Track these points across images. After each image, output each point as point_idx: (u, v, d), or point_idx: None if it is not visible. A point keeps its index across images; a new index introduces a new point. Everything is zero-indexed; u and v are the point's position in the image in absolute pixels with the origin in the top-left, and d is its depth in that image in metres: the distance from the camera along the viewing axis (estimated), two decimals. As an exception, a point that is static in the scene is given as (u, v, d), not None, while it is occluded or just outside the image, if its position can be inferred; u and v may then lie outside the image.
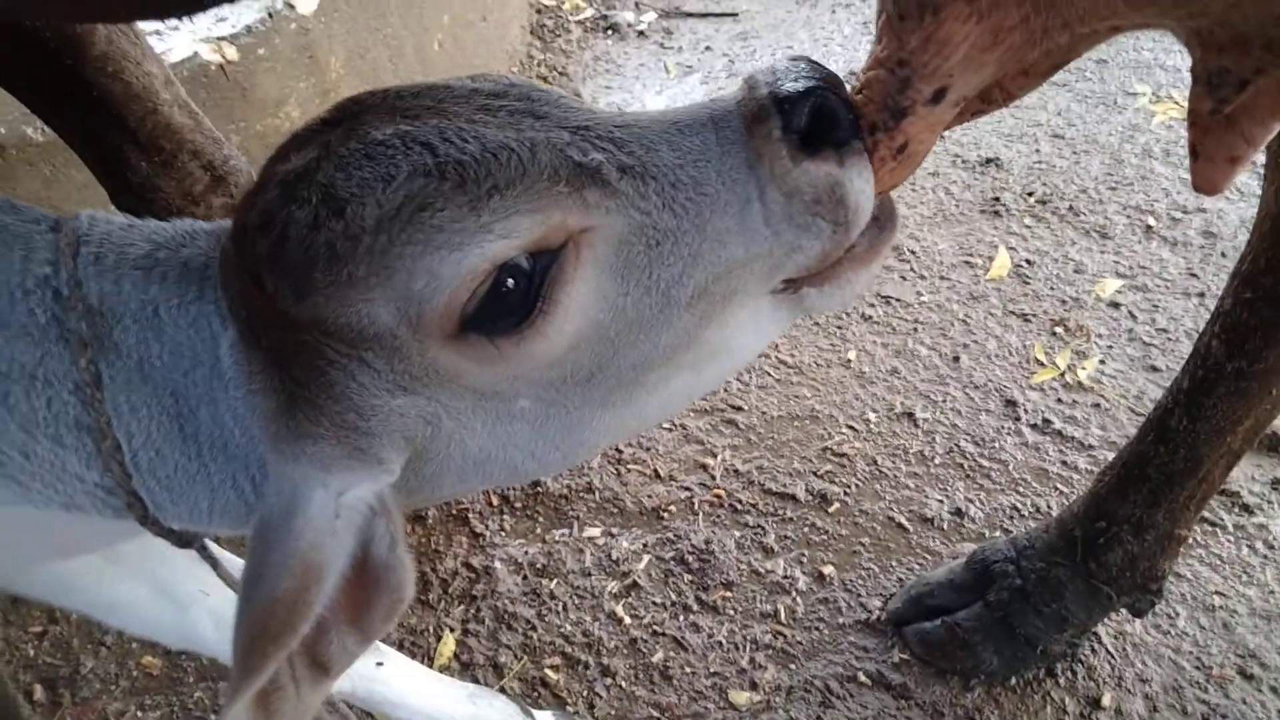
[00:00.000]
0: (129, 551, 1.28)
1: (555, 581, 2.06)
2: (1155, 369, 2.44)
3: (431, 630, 1.99)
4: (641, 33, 4.15)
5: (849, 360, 2.54)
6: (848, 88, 0.82)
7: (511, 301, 0.70)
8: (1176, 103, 3.31)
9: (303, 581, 0.68)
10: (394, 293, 0.68)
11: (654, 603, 2.02)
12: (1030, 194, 3.03)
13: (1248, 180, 2.94)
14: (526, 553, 2.12)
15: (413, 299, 0.68)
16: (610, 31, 4.17)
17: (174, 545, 0.83)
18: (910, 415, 2.37)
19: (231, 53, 2.65)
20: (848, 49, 3.89)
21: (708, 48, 4.03)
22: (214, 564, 0.92)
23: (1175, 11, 0.77)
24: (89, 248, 0.77)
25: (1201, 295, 2.62)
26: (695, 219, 0.75)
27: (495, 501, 2.24)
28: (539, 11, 4.25)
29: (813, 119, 0.76)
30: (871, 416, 2.38)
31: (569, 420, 0.79)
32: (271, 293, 0.70)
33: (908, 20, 0.74)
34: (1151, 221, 2.88)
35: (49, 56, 1.43)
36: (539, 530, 2.18)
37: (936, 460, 2.26)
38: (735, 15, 4.21)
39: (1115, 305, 2.63)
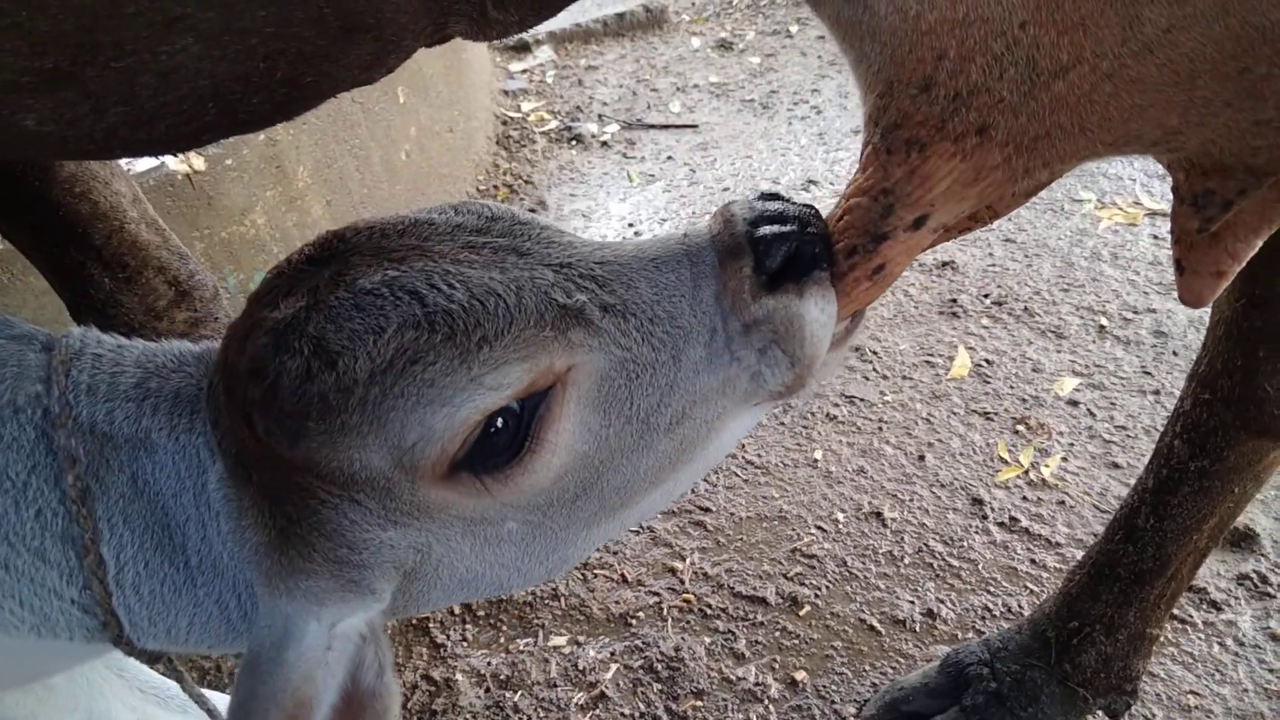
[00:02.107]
0: (61, 686, 1.23)
1: (519, 694, 1.99)
2: (1117, 465, 2.47)
3: (389, 749, 1.90)
4: (605, 143, 4.28)
5: (815, 460, 2.54)
6: (823, 214, 0.85)
7: (501, 442, 0.73)
8: (1120, 208, 3.45)
9: (294, 714, 0.68)
10: (385, 441, 0.70)
11: (622, 714, 1.95)
12: (986, 295, 3.11)
13: (1192, 281, 3.04)
14: (489, 664, 2.05)
15: (405, 449, 0.70)
16: (574, 142, 4.29)
17: (142, 661, 0.82)
18: (878, 515, 2.36)
19: (199, 163, 2.68)
20: (804, 158, 4.03)
21: (669, 157, 4.16)
22: (180, 679, 0.91)
23: (1154, 150, 0.82)
24: (81, 373, 0.78)
25: (1157, 393, 2.68)
26: (671, 350, 0.79)
27: (457, 610, 2.17)
28: (504, 123, 4.38)
29: (783, 261, 0.81)
30: (840, 516, 2.36)
31: (554, 539, 0.81)
32: (263, 435, 0.71)
33: (894, 154, 0.78)
34: (1104, 321, 2.96)
35: (15, 177, 1.43)
36: (502, 640, 2.11)
37: (906, 560, 2.24)
38: (695, 127, 4.35)
39: (1074, 403, 2.68)
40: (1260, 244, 0.92)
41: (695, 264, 0.82)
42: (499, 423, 0.72)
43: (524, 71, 4.87)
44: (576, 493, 0.79)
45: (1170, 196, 0.92)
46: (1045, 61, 0.71)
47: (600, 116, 4.48)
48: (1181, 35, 0.68)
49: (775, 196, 0.86)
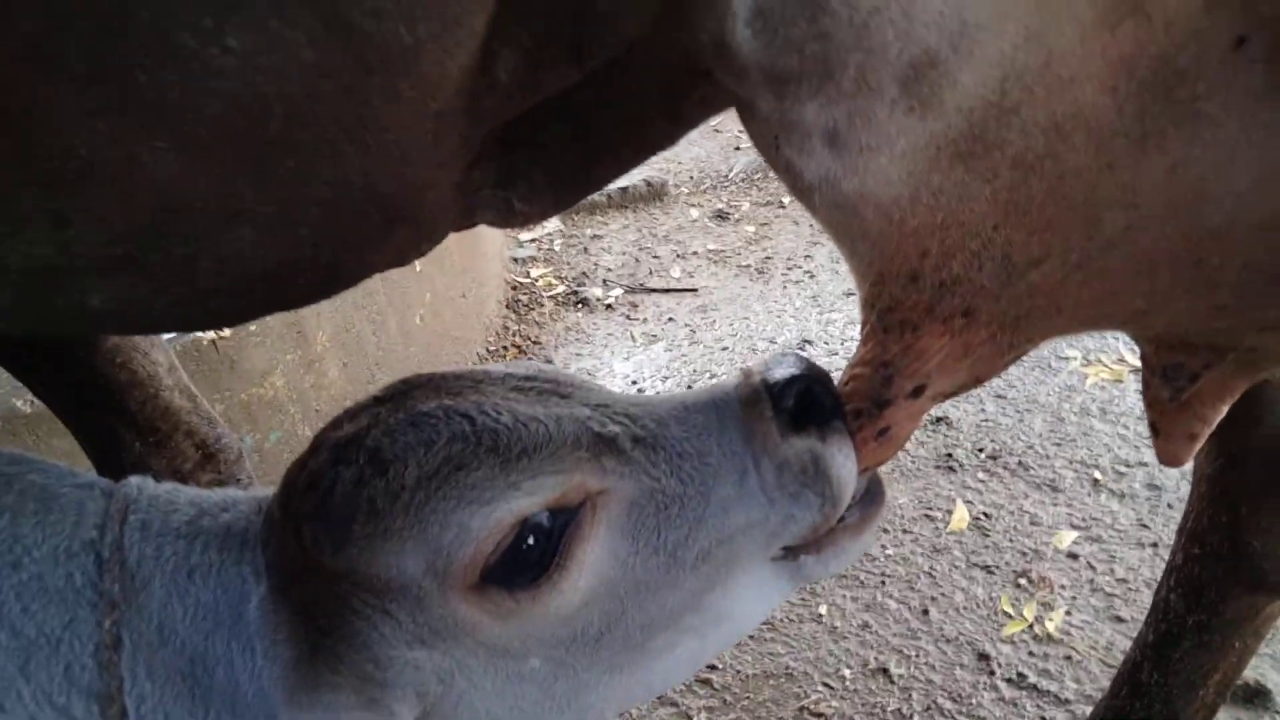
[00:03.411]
0: None
1: None
2: (1120, 619, 2.47)
3: None
4: (609, 306, 4.46)
5: (820, 615, 2.54)
6: (834, 378, 0.93)
7: (531, 557, 0.76)
8: (1106, 365, 3.57)
9: None
10: (425, 544, 0.74)
11: None
12: (981, 450, 3.18)
13: (1181, 435, 3.12)
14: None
15: (441, 551, 0.74)
16: (580, 305, 4.48)
17: None
18: (885, 671, 2.35)
19: (225, 329, 2.82)
20: (799, 319, 4.20)
21: (670, 319, 4.33)
22: None
23: (1125, 328, 0.90)
24: (137, 514, 0.81)
25: (1155, 545, 2.71)
26: (699, 486, 0.83)
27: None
28: (514, 288, 4.58)
29: (798, 402, 0.87)
30: (846, 673, 2.35)
31: (576, 683, 0.81)
32: (309, 545, 0.75)
33: (890, 333, 0.85)
34: (1098, 475, 3.02)
35: (61, 349, 1.52)
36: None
37: (915, 718, 2.22)
38: (695, 290, 4.56)
39: (1074, 556, 2.70)
40: (1226, 409, 0.98)
41: (721, 410, 0.87)
42: (530, 540, 0.76)
43: (533, 240, 5.13)
44: (601, 629, 0.80)
45: None
46: (1019, 256, 0.77)
47: (605, 281, 4.69)
48: (1139, 234, 0.74)
49: (789, 354, 0.93)
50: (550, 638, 0.79)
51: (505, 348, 4.11)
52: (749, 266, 4.75)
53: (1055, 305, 0.81)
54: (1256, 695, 2.22)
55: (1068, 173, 0.71)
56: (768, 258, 4.82)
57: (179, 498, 0.85)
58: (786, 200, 5.49)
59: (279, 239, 0.82)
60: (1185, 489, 2.89)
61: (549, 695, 0.81)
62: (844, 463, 0.87)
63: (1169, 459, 1.04)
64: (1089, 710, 2.17)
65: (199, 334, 2.73)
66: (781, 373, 0.89)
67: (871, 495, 0.94)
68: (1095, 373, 3.53)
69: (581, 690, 0.82)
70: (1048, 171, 0.72)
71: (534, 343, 4.15)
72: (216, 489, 0.89)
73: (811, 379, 0.89)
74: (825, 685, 2.32)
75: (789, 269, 4.69)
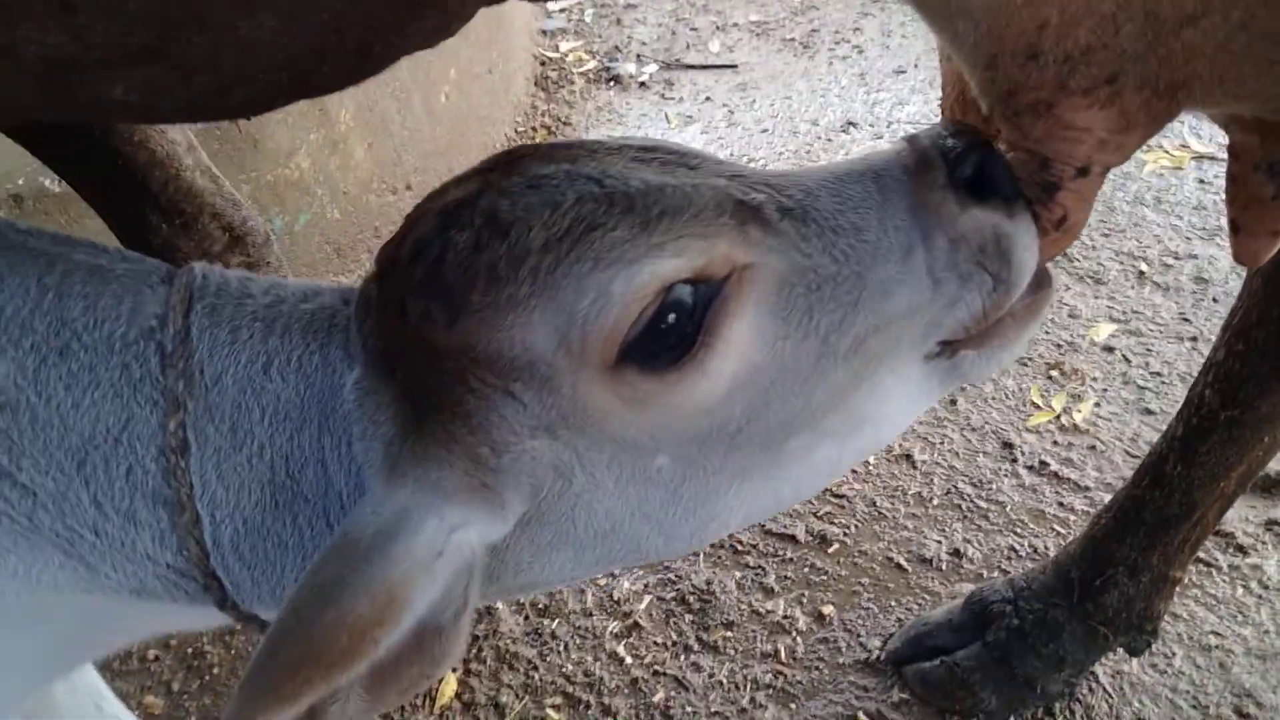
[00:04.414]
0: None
1: (557, 621, 2.08)
2: (1150, 412, 2.48)
3: (434, 671, 2.00)
4: (643, 84, 4.26)
5: (847, 403, 2.57)
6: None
7: (673, 335, 0.68)
8: (1167, 152, 3.38)
9: (381, 614, 0.60)
10: (556, 314, 0.66)
11: (655, 643, 2.03)
12: (1024, 240, 3.09)
13: (1237, 227, 3.00)
14: (529, 593, 2.14)
15: (576, 320, 0.66)
16: (612, 83, 4.28)
17: (257, 632, 0.75)
18: (909, 457, 2.40)
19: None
20: (845, 99, 3.99)
21: (708, 98, 4.13)
22: None
23: (1265, 109, 0.79)
24: (204, 301, 0.73)
25: (1194, 339, 2.67)
26: (856, 265, 0.73)
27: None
28: (543, 64, 4.37)
29: (977, 171, 0.76)
30: (870, 458, 2.41)
31: (705, 488, 0.74)
32: (418, 320, 0.68)
33: (1022, 117, 0.74)
34: (1144, 267, 2.94)
35: (77, 128, 1.49)
36: (541, 571, 2.20)
37: (935, 501, 2.29)
38: (735, 67, 4.31)
39: (1110, 349, 2.68)
40: None
41: (881, 179, 0.76)
42: (671, 317, 0.67)
43: (562, 11, 4.84)
44: (740, 423, 0.72)
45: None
46: (1168, 12, 0.66)
47: (639, 56, 4.45)
48: None
49: (958, 122, 0.81)
50: (683, 432, 0.71)
51: (534, 129, 3.98)
52: (793, 40, 4.47)
53: (1215, 73, 0.70)
54: (1275, 485, 2.25)
55: None
56: (814, 30, 4.52)
57: (252, 285, 0.76)
58: (836, -34, 5.08)
59: (300, 26, 0.75)
60: (1234, 283, 2.81)
61: (675, 499, 0.74)
62: (1030, 243, 0.76)
63: (1248, 257, 0.97)
64: (1108, 498, 2.22)
65: (219, 111, 2.66)
66: (956, 140, 0.77)
67: (1038, 279, 0.80)
68: (1154, 159, 3.35)
69: (710, 496, 0.75)
70: None
71: (564, 123, 4.00)
72: (294, 279, 0.80)
73: (991, 149, 0.77)
74: (849, 468, 2.38)
75: (836, 44, 4.40)
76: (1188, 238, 3.02)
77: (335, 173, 3.07)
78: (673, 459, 0.72)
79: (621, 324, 0.66)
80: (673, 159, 0.75)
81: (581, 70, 4.36)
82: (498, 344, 0.66)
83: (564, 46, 4.51)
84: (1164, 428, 2.32)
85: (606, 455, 0.71)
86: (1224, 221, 3.29)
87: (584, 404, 0.68)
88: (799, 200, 0.74)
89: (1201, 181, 3.24)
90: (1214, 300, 2.79)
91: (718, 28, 4.65)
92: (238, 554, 0.71)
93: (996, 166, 0.76)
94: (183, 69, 0.73)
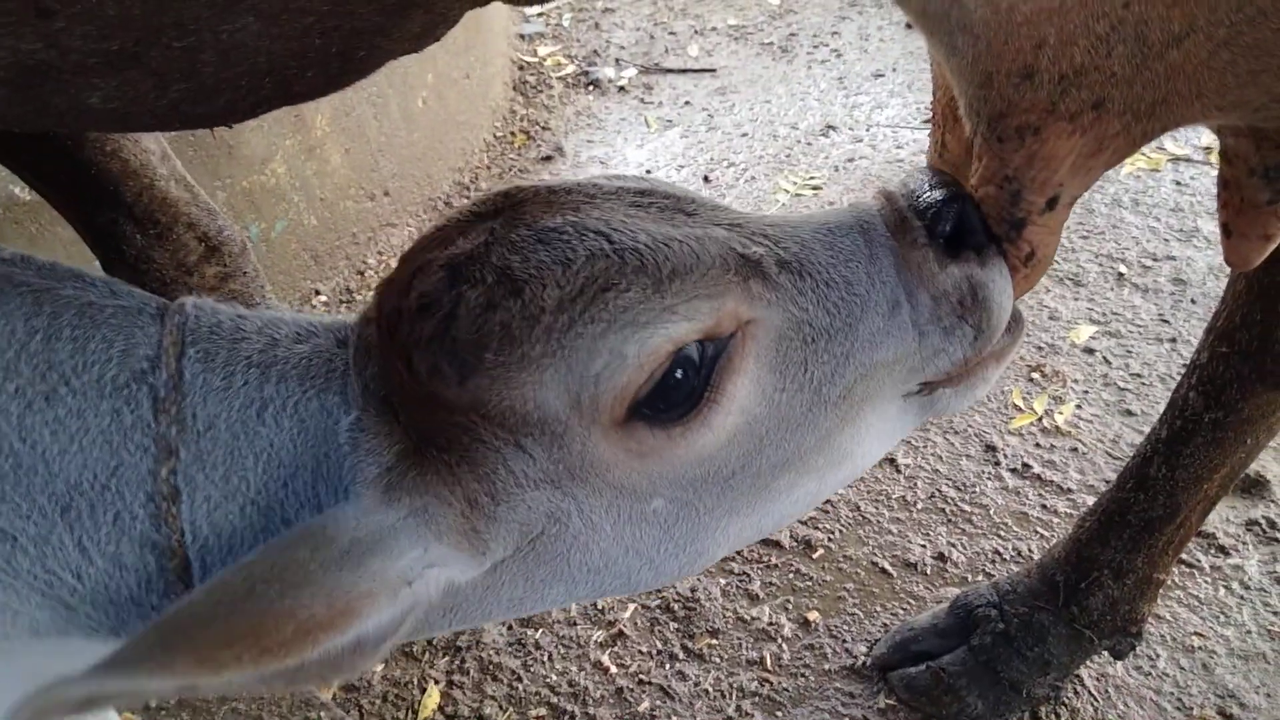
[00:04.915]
0: None
1: (541, 631, 2.06)
2: (1130, 413, 2.49)
3: (415, 683, 1.98)
4: (622, 88, 4.25)
5: (830, 407, 2.57)
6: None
7: (681, 391, 0.70)
8: (1143, 154, 3.41)
9: (333, 620, 0.59)
10: (569, 374, 0.67)
11: (640, 651, 2.02)
12: (1004, 243, 3.10)
13: (1214, 229, 3.02)
14: (512, 603, 2.12)
15: (588, 381, 0.67)
16: (591, 87, 4.27)
17: None
18: (892, 461, 2.40)
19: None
20: (824, 103, 3.99)
21: (687, 102, 4.13)
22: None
23: (1255, 116, 0.80)
24: (197, 345, 0.71)
25: (1173, 341, 2.68)
26: (847, 318, 0.76)
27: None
28: (521, 68, 4.35)
29: (955, 226, 0.79)
30: (853, 463, 2.40)
31: (697, 526, 0.77)
32: (426, 375, 0.68)
33: (1007, 142, 0.75)
34: (1123, 269, 2.95)
35: (48, 137, 1.45)
36: (524, 581, 2.17)
37: (919, 505, 2.29)
38: (713, 71, 4.31)
39: (1090, 351, 2.69)
40: None
41: (868, 234, 0.79)
42: (679, 374, 0.69)
43: (540, 15, 4.82)
44: (735, 468, 0.75)
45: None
46: (1156, 34, 0.68)
47: (617, 61, 4.44)
48: None
49: (926, 170, 0.84)
50: (681, 478, 0.74)
51: (513, 133, 3.95)
52: (771, 44, 4.47)
53: (1196, 89, 0.72)
54: (1255, 486, 2.26)
55: None
56: (792, 34, 4.53)
57: (246, 324, 0.74)
58: (814, -30, 5.09)
59: (284, 28, 0.73)
60: (1211, 284, 2.83)
61: (668, 537, 0.77)
62: (1004, 289, 0.80)
63: (1240, 261, 0.98)
64: (1090, 500, 2.23)
65: (193, 117, 2.62)
66: (932, 195, 0.80)
67: (1010, 323, 0.85)
68: (1132, 161, 3.37)
69: (701, 532, 0.78)
70: None
71: (543, 128, 3.98)
72: (288, 314, 0.78)
73: (964, 199, 0.80)
74: (832, 474, 2.38)
75: (814, 47, 4.41)
76: (1165, 239, 3.04)
77: (312, 179, 3.03)
78: (668, 501, 0.75)
79: (632, 385, 0.68)
80: (669, 204, 0.76)
81: (560, 75, 4.34)
82: (510, 401, 0.67)
83: (542, 51, 4.50)
84: (1145, 429, 2.32)
85: (605, 501, 0.73)
86: (1200, 223, 3.30)
87: (590, 457, 0.70)
88: (795, 254, 0.76)
89: (1178, 184, 3.26)
90: (1192, 301, 2.81)
91: (696, 32, 4.65)
92: None
93: (971, 217, 0.80)
94: (161, 75, 0.71)
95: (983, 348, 0.81)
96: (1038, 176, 0.76)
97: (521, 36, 4.61)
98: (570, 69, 4.38)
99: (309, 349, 0.74)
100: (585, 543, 0.74)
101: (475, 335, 0.66)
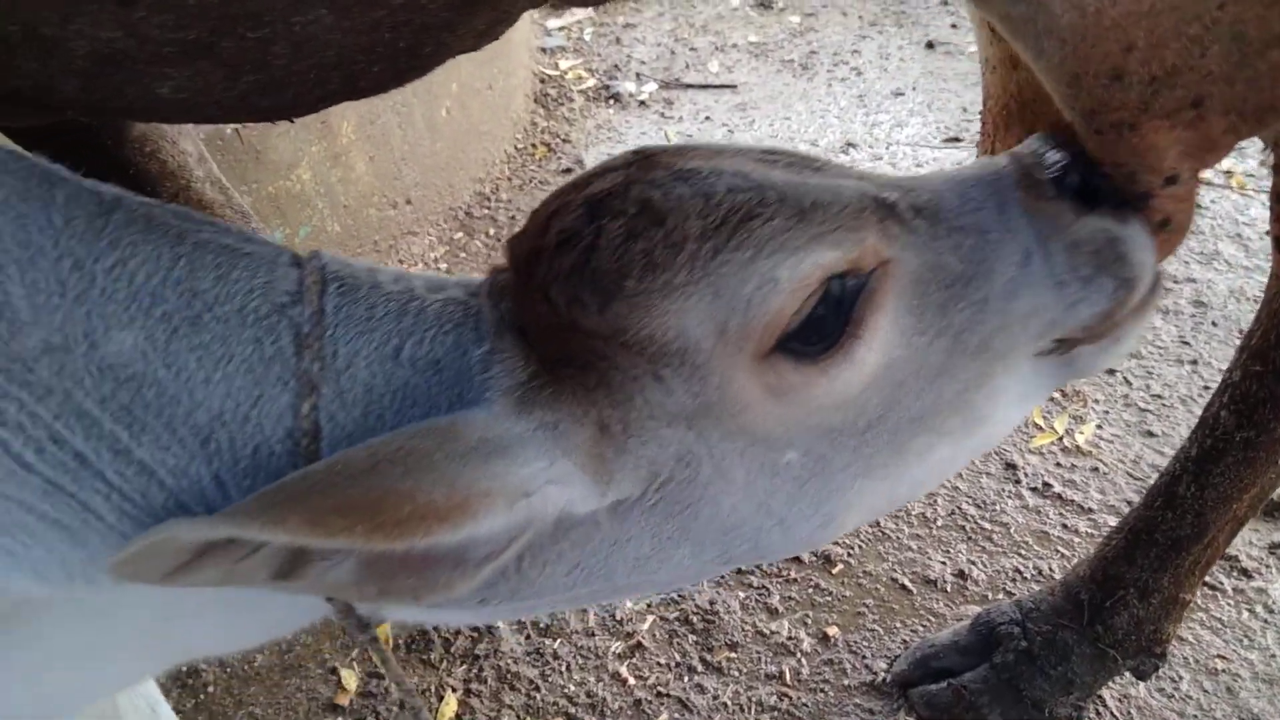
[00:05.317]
0: None
1: (559, 641, 2.06)
2: (1151, 434, 2.48)
3: (434, 690, 1.97)
4: (643, 102, 4.27)
5: (850, 422, 2.57)
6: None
7: (826, 325, 0.69)
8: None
9: (448, 512, 0.59)
10: (716, 301, 0.67)
11: (658, 663, 2.01)
12: (1024, 262, 3.10)
13: (1235, 252, 3.02)
14: (530, 612, 2.11)
15: (738, 306, 0.67)
16: (612, 101, 4.29)
17: (353, 629, 0.73)
18: (911, 477, 2.39)
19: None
20: (844, 120, 4.01)
21: (707, 118, 4.15)
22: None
23: None
24: (339, 284, 0.71)
25: (1194, 362, 2.68)
26: (981, 264, 0.75)
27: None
28: (542, 81, 4.37)
29: (1083, 182, 0.79)
30: (873, 478, 2.40)
31: (830, 484, 0.75)
32: (566, 305, 0.68)
33: (1105, 135, 0.74)
34: (1143, 290, 2.95)
35: (87, 136, 1.47)
36: (543, 589, 2.17)
37: (939, 522, 2.28)
38: (734, 87, 4.33)
39: (1111, 372, 2.68)
40: None
41: (997, 186, 0.78)
42: (824, 307, 0.68)
43: (562, 29, 4.85)
44: (872, 419, 0.73)
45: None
46: (1255, 32, 0.66)
47: (638, 75, 4.47)
48: None
49: (1044, 136, 0.83)
50: (818, 426, 0.72)
51: (534, 145, 3.98)
52: (792, 61, 4.49)
53: None
54: (1278, 509, 2.25)
55: None
56: (813, 52, 4.55)
57: (380, 274, 0.74)
58: (834, -11, 5.12)
59: (356, 21, 0.74)
60: (1232, 307, 2.83)
61: (799, 494, 0.74)
62: (1145, 243, 0.78)
63: None
64: (1111, 520, 2.22)
65: (221, 124, 2.64)
66: (1057, 152, 0.80)
67: (1154, 276, 0.83)
68: (1151, 184, 3.38)
69: (833, 492, 0.75)
70: None
71: (564, 140, 4.00)
72: (418, 273, 0.78)
73: (1090, 160, 0.79)
74: (852, 489, 2.37)
75: (835, 65, 4.43)
76: (1185, 261, 3.04)
77: (336, 185, 3.05)
78: (802, 453, 0.73)
79: (785, 311, 0.67)
80: (796, 160, 0.76)
81: (581, 88, 4.37)
82: (651, 329, 0.67)
83: (563, 64, 4.52)
84: (1166, 450, 2.31)
85: (739, 447, 0.71)
86: (1221, 246, 3.29)
87: (729, 393, 0.69)
88: (927, 200, 0.76)
89: (1199, 206, 3.26)
90: (1213, 324, 2.81)
91: (717, 48, 4.68)
92: None
93: (1098, 177, 0.78)
94: (232, 66, 0.72)
95: (1125, 300, 0.78)
96: (1146, 163, 0.75)
97: (543, 50, 4.64)
98: (591, 82, 4.41)
99: (442, 296, 0.74)
100: (715, 494, 0.72)
101: (617, 264, 0.66)
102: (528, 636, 2.07)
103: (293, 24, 0.70)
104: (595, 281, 0.67)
